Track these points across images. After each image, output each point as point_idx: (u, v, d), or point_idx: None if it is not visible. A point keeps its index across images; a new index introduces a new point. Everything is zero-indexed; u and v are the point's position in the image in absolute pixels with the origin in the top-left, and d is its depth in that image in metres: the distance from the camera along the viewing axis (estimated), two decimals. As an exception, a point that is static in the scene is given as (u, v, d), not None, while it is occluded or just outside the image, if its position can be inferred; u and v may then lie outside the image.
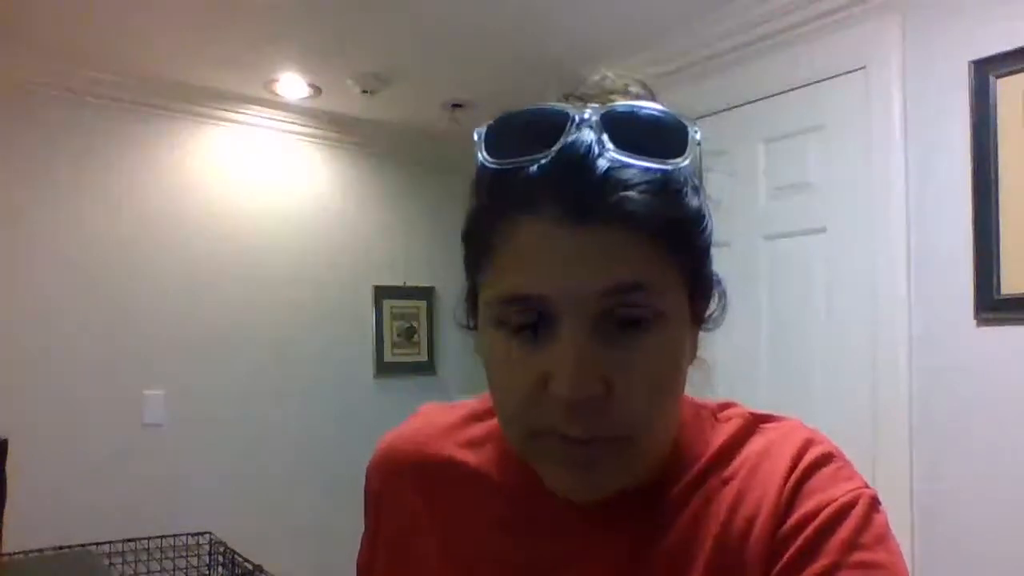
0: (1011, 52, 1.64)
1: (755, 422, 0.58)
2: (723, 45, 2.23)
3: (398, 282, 3.36)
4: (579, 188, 0.47)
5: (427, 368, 3.43)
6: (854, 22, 1.94)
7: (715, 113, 2.26)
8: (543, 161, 0.48)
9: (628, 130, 0.48)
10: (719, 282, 0.56)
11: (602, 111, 0.49)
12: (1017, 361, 1.64)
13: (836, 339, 1.96)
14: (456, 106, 2.94)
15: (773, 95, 2.13)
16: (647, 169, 0.48)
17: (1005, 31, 1.65)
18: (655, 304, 0.49)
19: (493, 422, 0.65)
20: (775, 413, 0.60)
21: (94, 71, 2.57)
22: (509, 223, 0.49)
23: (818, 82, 2.03)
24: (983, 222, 1.67)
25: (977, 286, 1.69)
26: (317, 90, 2.80)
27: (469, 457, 0.64)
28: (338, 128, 3.16)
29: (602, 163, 0.47)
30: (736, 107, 2.22)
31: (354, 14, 2.19)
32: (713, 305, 0.56)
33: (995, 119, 1.66)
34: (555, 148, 0.48)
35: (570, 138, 0.48)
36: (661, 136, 0.49)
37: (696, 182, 0.52)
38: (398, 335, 3.36)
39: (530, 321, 0.49)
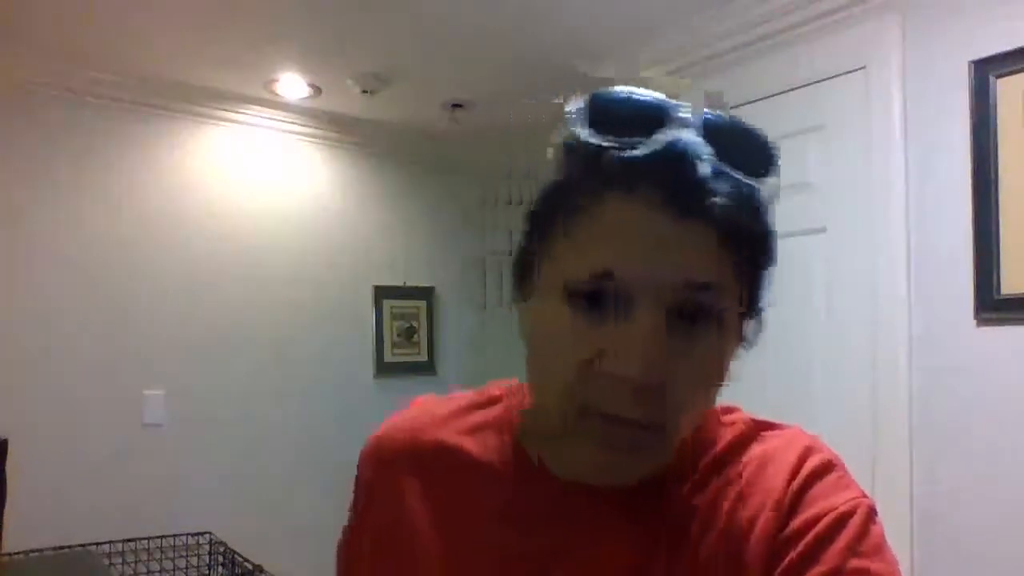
0: (1011, 52, 1.64)
1: (756, 429, 0.60)
2: (723, 45, 2.23)
3: (398, 282, 3.36)
4: (682, 183, 0.49)
5: (427, 368, 3.43)
6: (854, 22, 1.94)
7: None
8: (652, 148, 0.49)
9: (727, 141, 0.50)
10: (763, 308, 0.57)
11: (703, 116, 0.51)
12: (1017, 361, 1.64)
13: (836, 339, 1.96)
14: (456, 106, 2.94)
15: (773, 95, 2.13)
16: (739, 182, 0.50)
17: (1005, 31, 1.65)
18: (720, 306, 0.51)
19: (493, 411, 0.65)
20: (775, 421, 0.61)
21: (94, 71, 2.57)
22: (605, 199, 0.50)
23: (818, 82, 2.03)
24: (983, 222, 1.67)
25: (977, 286, 1.69)
26: (317, 90, 2.80)
27: (468, 444, 0.64)
28: (338, 128, 3.16)
29: (703, 167, 0.49)
30: (736, 107, 2.19)
31: (354, 14, 2.19)
32: (756, 327, 0.57)
33: (995, 119, 1.66)
34: (661, 138, 0.49)
35: (674, 133, 0.50)
36: (754, 153, 0.52)
37: (774, 203, 0.54)
38: (398, 335, 3.36)
39: (600, 297, 0.50)
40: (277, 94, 2.83)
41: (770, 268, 0.55)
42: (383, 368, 3.30)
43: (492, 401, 0.66)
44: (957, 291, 1.72)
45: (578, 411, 0.52)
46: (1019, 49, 1.63)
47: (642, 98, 0.52)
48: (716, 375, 0.53)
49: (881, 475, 1.79)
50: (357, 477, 0.69)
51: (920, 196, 1.81)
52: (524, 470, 0.59)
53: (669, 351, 0.49)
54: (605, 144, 0.51)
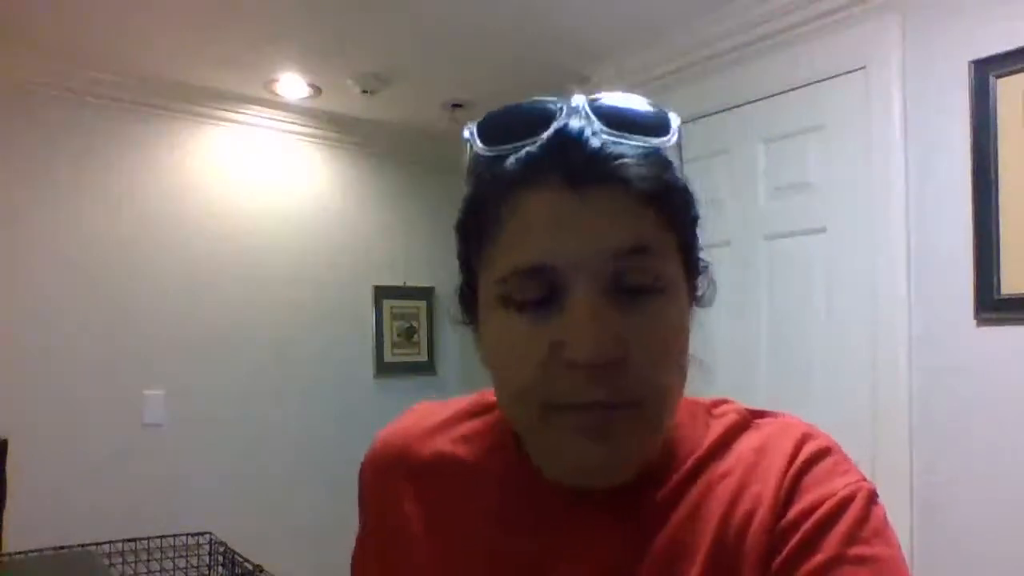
0: (1011, 52, 1.64)
1: (749, 417, 0.59)
2: (723, 45, 2.24)
3: (398, 282, 3.36)
4: (578, 158, 0.50)
5: (427, 368, 3.43)
6: (854, 22, 1.94)
7: (715, 113, 2.26)
8: (542, 140, 0.51)
9: (616, 114, 0.52)
10: (707, 265, 0.58)
11: (588, 100, 0.53)
12: (1017, 361, 1.64)
13: (836, 339, 1.96)
14: (456, 106, 2.94)
15: (773, 95, 2.13)
16: (637, 145, 0.51)
17: (1005, 31, 1.65)
18: (660, 270, 0.51)
19: (487, 418, 0.65)
20: (768, 409, 0.60)
21: (94, 71, 2.57)
22: (511, 200, 0.51)
23: (818, 82, 2.03)
24: (983, 222, 1.67)
25: (977, 286, 1.69)
26: (317, 90, 2.80)
27: (462, 451, 0.64)
28: (338, 128, 3.16)
29: (595, 140, 0.51)
30: (736, 107, 2.22)
31: (354, 14, 2.19)
32: (704, 285, 0.58)
33: (995, 119, 1.66)
34: (551, 130, 0.51)
35: (562, 122, 0.51)
36: (646, 119, 0.53)
37: (680, 164, 0.55)
38: (398, 335, 3.36)
39: (537, 296, 0.50)
40: (277, 94, 2.83)
41: (696, 222, 0.56)
42: (383, 368, 3.30)
43: (487, 408, 0.66)
44: (957, 291, 1.72)
45: (540, 410, 0.51)
46: (1019, 49, 1.63)
47: (531, 104, 0.54)
48: (676, 339, 0.53)
49: (881, 475, 1.79)
50: (359, 486, 0.69)
51: (920, 196, 1.81)
52: (517, 476, 0.59)
53: (622, 323, 0.49)
54: (500, 152, 0.53)
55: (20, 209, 2.53)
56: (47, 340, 2.55)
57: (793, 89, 2.08)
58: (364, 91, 2.74)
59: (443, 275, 3.47)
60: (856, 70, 1.94)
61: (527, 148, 0.52)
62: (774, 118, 2.13)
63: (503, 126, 0.54)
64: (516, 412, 0.54)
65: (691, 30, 2.26)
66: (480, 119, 0.55)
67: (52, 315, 2.56)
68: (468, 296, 0.58)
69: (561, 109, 0.52)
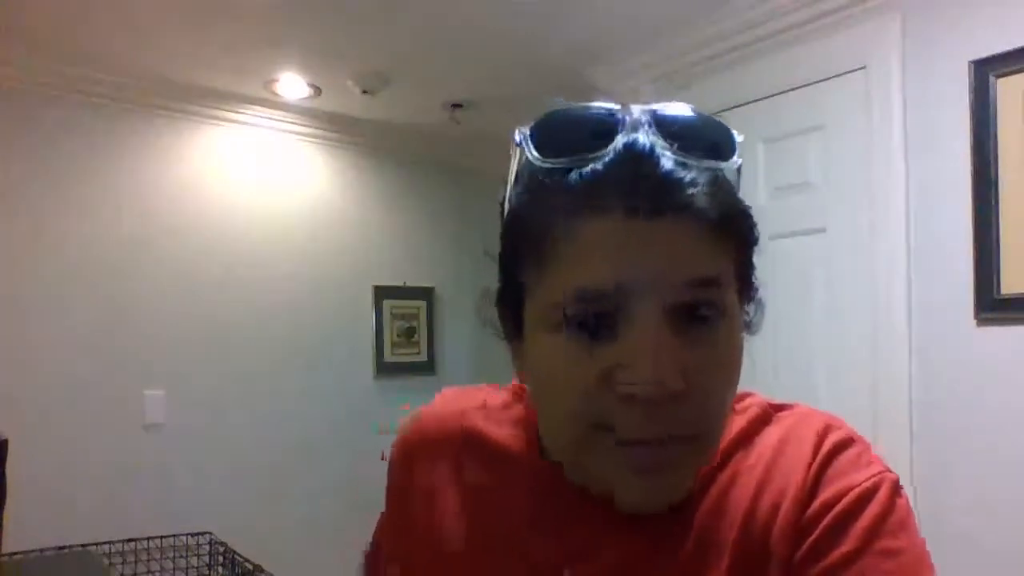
0: (1011, 52, 1.64)
1: (771, 411, 0.59)
2: (723, 45, 2.24)
3: (398, 282, 3.36)
4: (648, 184, 0.47)
5: (427, 368, 3.43)
6: (854, 22, 1.94)
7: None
8: (607, 158, 0.48)
9: (681, 131, 0.49)
10: (758, 289, 0.56)
11: (652, 112, 0.50)
12: (1017, 361, 1.64)
13: (836, 339, 1.97)
14: (456, 106, 2.94)
15: (773, 95, 2.13)
16: (705, 168, 0.49)
17: (1005, 31, 1.65)
18: (724, 301, 0.49)
19: (518, 409, 0.64)
20: (788, 402, 0.60)
21: (93, 71, 2.57)
22: (572, 220, 0.48)
23: (818, 82, 2.03)
24: (983, 222, 1.67)
25: (977, 286, 1.69)
26: (317, 90, 2.80)
27: (496, 436, 0.63)
28: (338, 128, 3.16)
29: (666, 162, 0.48)
30: (736, 107, 2.21)
31: (354, 14, 2.19)
32: (753, 311, 0.56)
33: (995, 119, 1.66)
34: (616, 146, 0.48)
35: (629, 137, 0.49)
36: (712, 137, 0.51)
37: (739, 185, 0.54)
38: (398, 335, 3.36)
39: (593, 321, 0.48)
40: (277, 94, 2.83)
41: (755, 247, 0.54)
42: (383, 368, 3.30)
43: (515, 398, 0.66)
44: (957, 291, 1.72)
45: (586, 433, 0.50)
46: (1019, 49, 1.63)
47: (589, 111, 0.51)
48: (734, 369, 0.51)
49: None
50: (391, 465, 0.69)
51: (920, 196, 1.81)
52: (544, 472, 0.59)
53: (684, 354, 0.47)
54: (560, 165, 0.50)
55: (19, 209, 2.53)
56: (47, 340, 2.55)
57: (793, 89, 2.09)
58: (364, 91, 2.74)
59: (443, 275, 3.48)
60: (856, 70, 1.94)
61: (591, 165, 0.48)
62: (774, 118, 2.13)
63: (561, 134, 0.50)
64: (560, 435, 0.52)
65: (691, 30, 2.26)
66: (533, 121, 0.52)
67: (52, 315, 2.56)
68: (512, 308, 0.55)
69: (624, 120, 0.49)
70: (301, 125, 3.09)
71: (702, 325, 0.49)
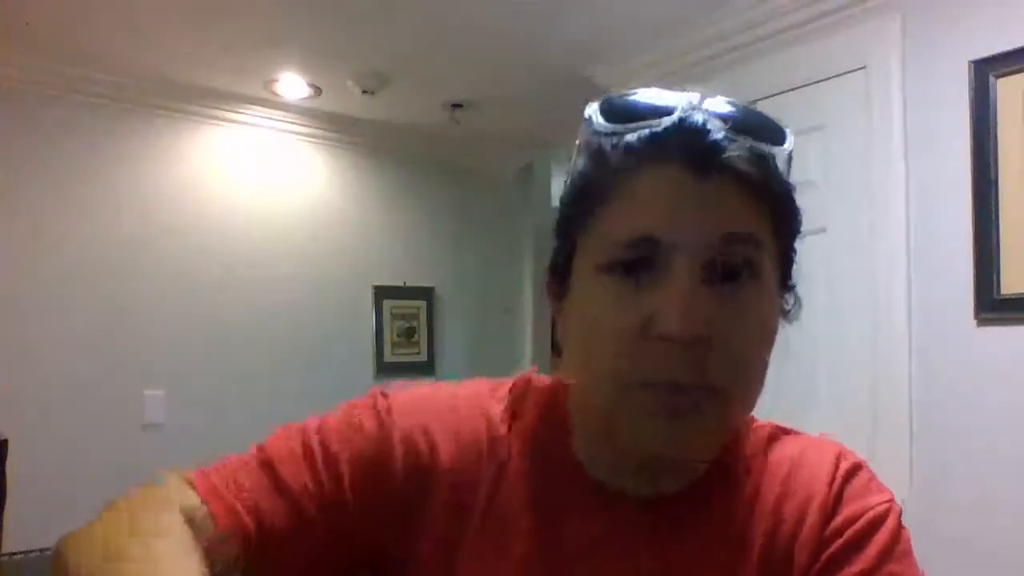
0: (1011, 52, 1.64)
1: (778, 432, 0.63)
2: (723, 45, 2.23)
3: (398, 282, 3.36)
4: (700, 147, 0.52)
5: (427, 368, 3.43)
6: (854, 22, 1.94)
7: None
8: (665, 123, 0.53)
9: (734, 118, 0.53)
10: (795, 284, 0.61)
11: (709, 100, 0.54)
12: (1017, 361, 1.63)
13: (836, 339, 1.96)
14: (456, 106, 2.94)
15: (773, 95, 2.13)
16: (754, 144, 0.53)
17: (1005, 31, 1.65)
18: (760, 263, 0.53)
19: (536, 400, 0.63)
20: (790, 427, 0.64)
21: (94, 71, 2.57)
22: (632, 174, 0.53)
23: (818, 82, 2.03)
24: (983, 222, 1.67)
25: (977, 286, 1.69)
26: (317, 90, 2.80)
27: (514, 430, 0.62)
28: (338, 128, 3.16)
29: (716, 134, 0.52)
30: (736, 107, 2.22)
31: (354, 14, 2.19)
32: (791, 301, 0.60)
33: (995, 119, 1.66)
34: (675, 117, 0.53)
35: (686, 113, 0.53)
36: (762, 128, 0.55)
37: (789, 175, 0.57)
38: (398, 335, 3.36)
39: (638, 264, 0.51)
40: (277, 94, 2.83)
41: (797, 235, 0.58)
42: (383, 368, 3.30)
43: (507, 393, 0.64)
44: (957, 291, 1.72)
45: (623, 387, 0.51)
46: (1019, 49, 1.63)
47: (651, 93, 0.55)
48: (763, 332, 0.54)
49: (881, 474, 1.79)
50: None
51: (920, 196, 1.81)
52: (564, 469, 0.59)
53: (714, 307, 0.50)
54: (623, 130, 0.54)
55: (20, 209, 2.53)
56: (47, 340, 2.55)
57: (793, 89, 2.08)
58: (364, 91, 2.74)
59: (443, 275, 3.48)
60: (856, 70, 1.94)
61: (651, 128, 0.53)
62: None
63: (627, 108, 0.55)
64: (596, 389, 0.54)
65: (691, 30, 2.26)
66: (600, 99, 0.56)
67: (52, 315, 2.56)
68: (561, 267, 0.58)
69: (683, 102, 0.53)
70: (301, 125, 3.09)
71: (736, 283, 0.52)
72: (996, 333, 1.67)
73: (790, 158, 0.56)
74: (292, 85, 2.75)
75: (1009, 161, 1.64)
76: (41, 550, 2.32)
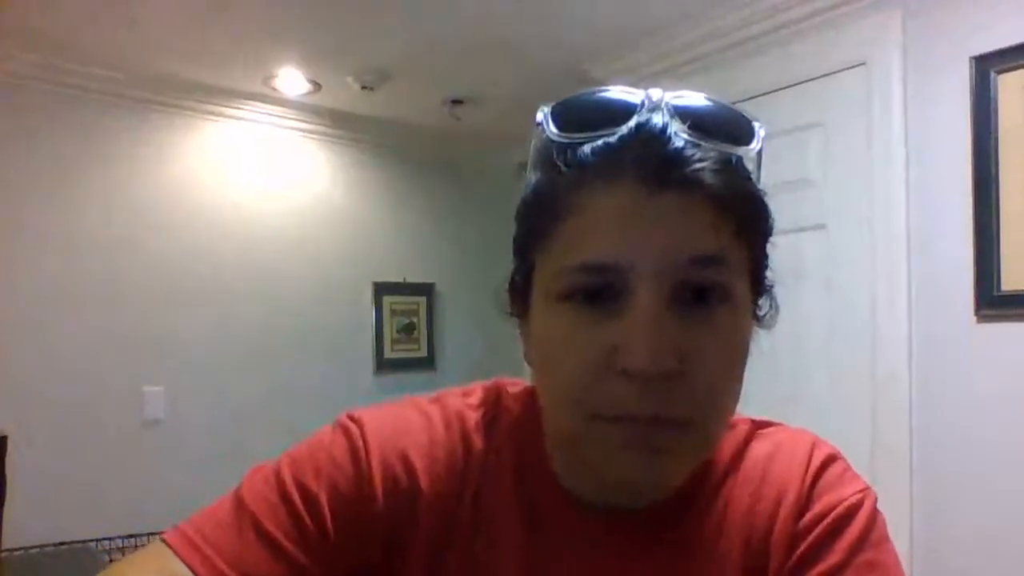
0: (1012, 48, 1.63)
1: (755, 428, 0.61)
2: (724, 41, 2.23)
3: (398, 279, 3.36)
4: (658, 158, 0.48)
5: (427, 364, 3.44)
6: (854, 18, 1.94)
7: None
8: (621, 132, 0.49)
9: (698, 117, 0.49)
10: (772, 285, 0.56)
11: (670, 99, 0.50)
12: (1018, 358, 1.63)
13: (836, 337, 1.96)
14: (456, 102, 2.93)
15: (774, 91, 2.13)
16: (718, 150, 0.49)
17: (1006, 27, 1.65)
18: (729, 283, 0.49)
19: (510, 421, 0.62)
20: (767, 419, 0.63)
21: (91, 67, 2.56)
22: (583, 191, 0.49)
23: (818, 78, 2.02)
24: (983, 218, 1.67)
25: (977, 283, 1.68)
26: (317, 86, 2.79)
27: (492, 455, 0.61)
28: (338, 124, 3.16)
29: (676, 141, 0.48)
30: (736, 103, 2.19)
31: (354, 9, 2.19)
32: (766, 305, 0.56)
33: (996, 115, 1.66)
34: (630, 124, 0.49)
35: (644, 118, 0.49)
36: (728, 125, 0.51)
37: (759, 174, 0.53)
38: (398, 331, 3.36)
39: (599, 292, 0.48)
40: (276, 90, 2.82)
41: (769, 238, 0.54)
42: (383, 364, 3.30)
43: (487, 402, 0.63)
44: (957, 288, 1.72)
45: (589, 418, 0.49)
46: (1020, 45, 1.62)
47: (609, 94, 0.51)
48: (737, 355, 0.51)
49: (881, 474, 1.79)
50: None
51: (920, 192, 1.81)
52: (546, 495, 0.58)
53: (684, 335, 0.47)
54: (576, 140, 0.50)
55: (17, 204, 2.52)
56: (46, 336, 2.55)
57: (794, 85, 2.08)
58: (364, 87, 2.74)
59: (443, 271, 3.47)
60: (856, 66, 1.93)
61: (605, 139, 0.49)
62: (774, 114, 2.12)
63: (580, 113, 0.51)
64: (561, 418, 0.52)
65: (691, 27, 2.26)
66: (555, 102, 0.52)
67: (51, 311, 2.56)
68: (521, 286, 0.55)
69: (643, 104, 0.50)
70: (300, 121, 3.08)
71: (706, 307, 0.48)
72: (996, 330, 1.67)
73: (760, 156, 0.52)
74: (291, 81, 2.74)
75: (1009, 157, 1.64)
76: (41, 546, 2.32)
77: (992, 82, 1.66)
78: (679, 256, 0.47)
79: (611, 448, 0.49)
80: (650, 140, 0.48)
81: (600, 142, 0.49)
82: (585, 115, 0.51)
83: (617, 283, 0.48)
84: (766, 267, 0.54)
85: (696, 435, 0.49)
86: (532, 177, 0.54)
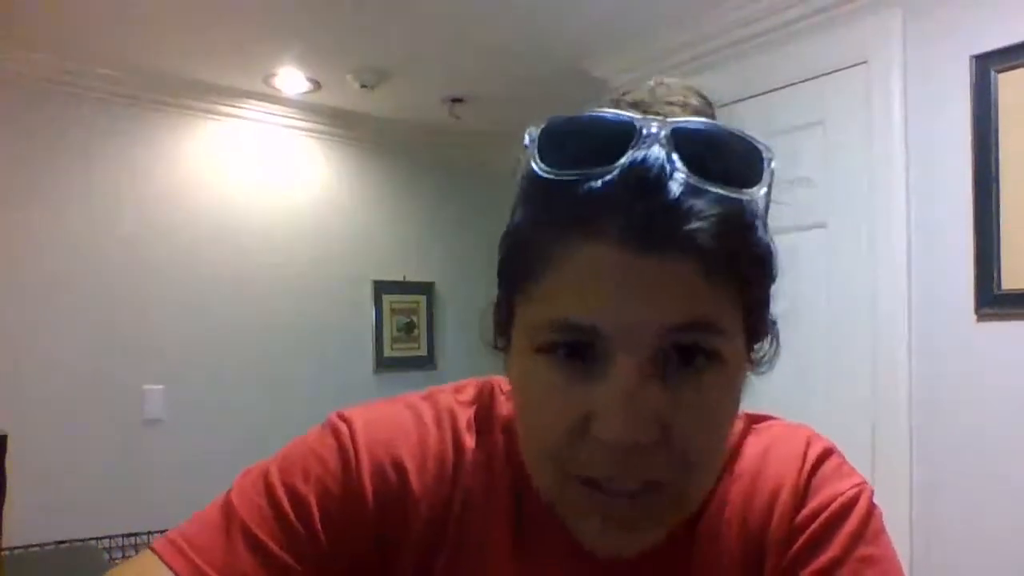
0: (1012, 47, 1.63)
1: (750, 423, 0.60)
2: (724, 40, 2.23)
3: (397, 277, 3.36)
4: (647, 211, 0.43)
5: (427, 363, 3.43)
6: (855, 17, 1.94)
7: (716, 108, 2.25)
8: (608, 176, 0.44)
9: (701, 151, 0.44)
10: (774, 323, 0.52)
11: (672, 126, 0.45)
12: (1018, 357, 1.63)
13: (836, 335, 1.96)
14: (456, 100, 2.93)
15: (774, 90, 2.12)
16: (721, 198, 0.44)
17: (1006, 26, 1.65)
18: (720, 347, 0.45)
19: (490, 419, 0.61)
20: (762, 413, 0.62)
21: (92, 65, 2.56)
22: (564, 241, 0.45)
23: (819, 77, 2.02)
24: (984, 217, 1.67)
25: (978, 281, 1.68)
26: (316, 85, 2.79)
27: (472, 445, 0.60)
28: (337, 123, 3.15)
29: (673, 186, 0.43)
30: (736, 102, 2.21)
31: (353, 8, 2.18)
32: (766, 347, 0.52)
33: (996, 113, 1.66)
34: (622, 162, 0.44)
35: (638, 154, 0.44)
36: (736, 160, 0.45)
37: (766, 215, 0.48)
38: (398, 330, 3.36)
39: (578, 350, 0.45)
40: (276, 89, 2.82)
41: (772, 284, 0.49)
42: (383, 363, 3.30)
43: (487, 405, 0.61)
44: (957, 286, 1.72)
45: (562, 479, 0.48)
46: (1020, 44, 1.62)
47: (603, 120, 0.46)
48: (725, 415, 0.49)
49: (881, 473, 1.79)
50: None
51: (921, 191, 1.81)
52: (535, 517, 0.57)
53: (665, 402, 0.44)
54: (562, 178, 0.45)
55: (18, 204, 2.52)
56: (47, 335, 2.55)
57: (794, 84, 2.08)
58: (363, 86, 2.73)
59: (442, 270, 3.47)
60: (857, 65, 1.93)
61: (592, 182, 0.44)
62: (774, 113, 2.12)
63: (568, 144, 0.46)
64: (538, 472, 0.51)
65: (691, 25, 2.26)
66: (543, 124, 0.47)
67: (51, 310, 2.56)
68: (504, 320, 0.52)
69: (639, 133, 0.44)
70: (300, 120, 3.08)
71: (690, 369, 0.45)
72: (996, 328, 1.67)
73: (769, 193, 0.47)
74: (291, 80, 2.74)
75: (1010, 156, 1.64)
76: (41, 545, 2.32)
77: (992, 81, 1.66)
78: (661, 326, 0.43)
79: (584, 511, 0.48)
80: (641, 187, 0.43)
81: (583, 187, 0.44)
82: (573, 148, 0.45)
83: (597, 343, 0.44)
84: (766, 313, 0.51)
85: (678, 495, 0.48)
86: (517, 212, 0.50)
